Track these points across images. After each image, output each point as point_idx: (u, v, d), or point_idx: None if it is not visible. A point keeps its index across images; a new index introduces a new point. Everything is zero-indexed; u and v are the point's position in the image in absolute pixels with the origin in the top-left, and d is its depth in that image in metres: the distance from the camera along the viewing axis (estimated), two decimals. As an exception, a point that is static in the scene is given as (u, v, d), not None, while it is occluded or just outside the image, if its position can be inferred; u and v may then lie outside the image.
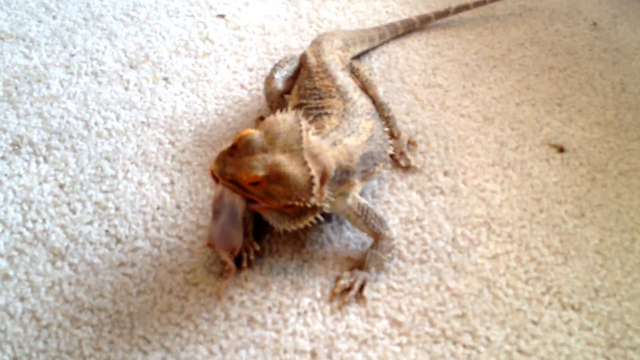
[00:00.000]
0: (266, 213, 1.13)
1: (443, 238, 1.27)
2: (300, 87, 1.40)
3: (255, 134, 1.07)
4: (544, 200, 1.35)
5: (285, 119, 1.10)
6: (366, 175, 1.24)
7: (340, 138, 1.19)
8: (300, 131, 1.09)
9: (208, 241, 1.07)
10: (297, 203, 1.07)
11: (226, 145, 1.07)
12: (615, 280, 1.21)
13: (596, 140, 1.51)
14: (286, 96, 1.46)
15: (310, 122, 1.26)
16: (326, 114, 1.28)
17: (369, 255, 1.19)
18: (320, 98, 1.32)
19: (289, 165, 1.05)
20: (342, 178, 1.16)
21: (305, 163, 1.06)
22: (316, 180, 1.06)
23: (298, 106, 1.34)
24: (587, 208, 1.34)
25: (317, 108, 1.30)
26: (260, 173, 1.03)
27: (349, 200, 1.19)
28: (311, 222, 1.14)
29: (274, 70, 1.47)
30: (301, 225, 1.13)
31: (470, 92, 1.64)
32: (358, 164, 1.19)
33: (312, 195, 1.07)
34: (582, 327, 1.13)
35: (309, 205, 1.08)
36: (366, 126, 1.25)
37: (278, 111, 1.13)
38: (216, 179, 1.06)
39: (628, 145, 1.50)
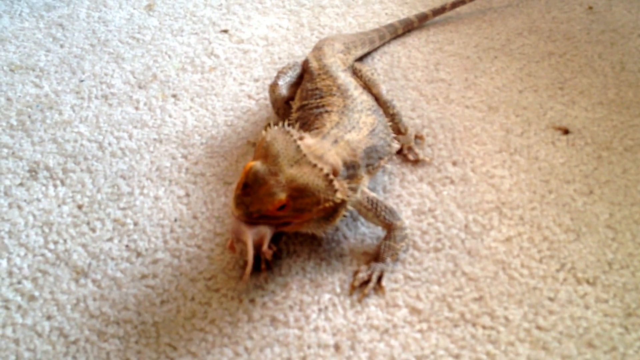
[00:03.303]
0: (304, 227, 1.15)
1: (456, 226, 1.28)
2: (302, 90, 1.42)
3: (257, 164, 1.08)
4: (553, 181, 1.37)
5: (275, 137, 1.12)
6: (372, 169, 1.25)
7: (342, 135, 1.21)
8: (295, 140, 1.11)
9: (230, 242, 1.08)
10: (326, 204, 1.08)
11: (236, 187, 1.08)
12: (627, 252, 1.22)
13: (599, 120, 1.52)
14: (291, 102, 1.48)
15: (312, 121, 1.29)
16: (326, 111, 1.30)
17: (383, 247, 1.20)
18: (321, 97, 1.35)
19: (302, 175, 1.07)
20: (349, 173, 1.17)
21: (314, 165, 1.08)
22: (332, 176, 1.09)
23: (300, 108, 1.36)
24: (595, 185, 1.35)
25: (317, 107, 1.32)
26: (282, 195, 1.05)
27: (359, 195, 1.21)
28: (344, 216, 1.16)
29: (277, 77, 1.49)
30: (336, 222, 1.16)
31: (473, 83, 1.66)
32: (362, 157, 1.21)
33: (336, 190, 1.09)
34: (598, 300, 1.14)
35: (337, 200, 1.09)
36: (367, 121, 1.27)
37: (263, 131, 1.14)
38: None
39: (631, 121, 1.51)
